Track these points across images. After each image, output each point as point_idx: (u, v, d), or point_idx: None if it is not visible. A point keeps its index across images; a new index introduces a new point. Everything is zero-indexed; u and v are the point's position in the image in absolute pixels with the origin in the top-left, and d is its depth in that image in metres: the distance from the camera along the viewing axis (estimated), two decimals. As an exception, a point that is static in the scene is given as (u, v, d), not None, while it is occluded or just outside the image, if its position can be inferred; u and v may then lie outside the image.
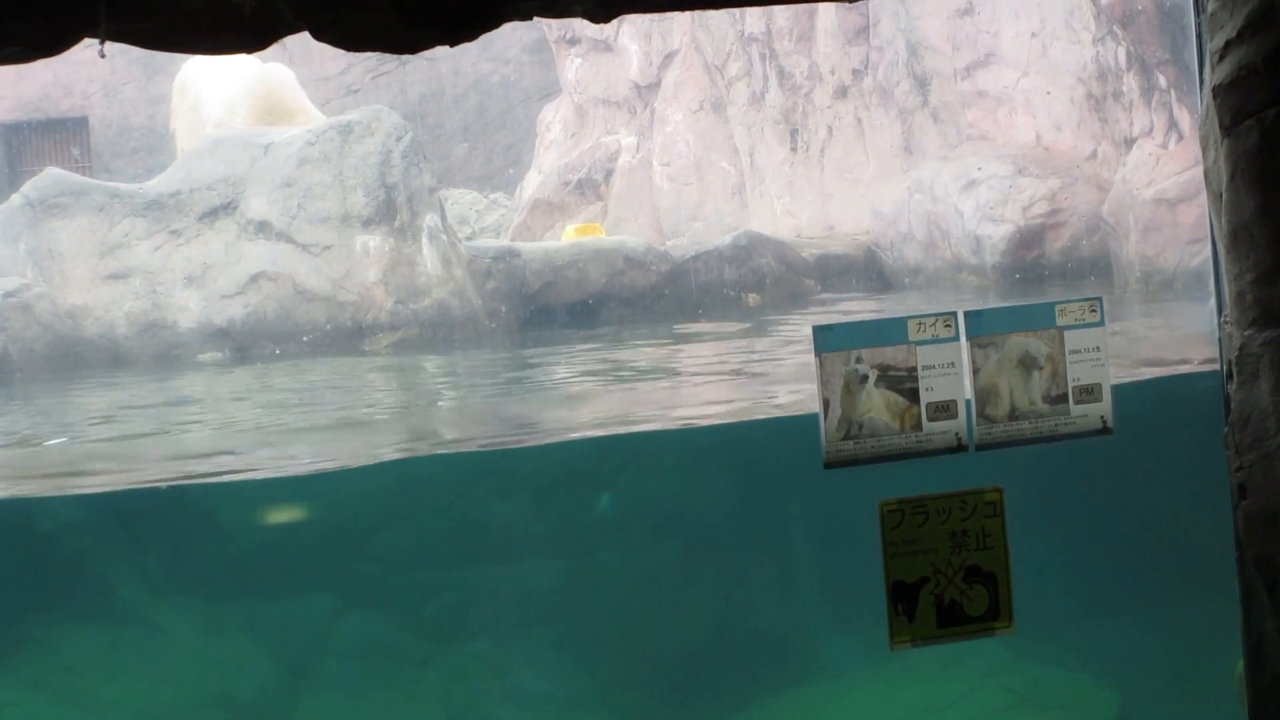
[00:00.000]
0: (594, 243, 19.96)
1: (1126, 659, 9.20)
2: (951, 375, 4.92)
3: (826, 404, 4.86)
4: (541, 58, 30.19)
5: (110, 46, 4.27)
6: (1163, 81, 17.45)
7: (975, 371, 4.96)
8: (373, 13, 4.29)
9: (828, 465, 4.89)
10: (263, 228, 17.43)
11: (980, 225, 18.90)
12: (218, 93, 20.64)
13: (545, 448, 10.41)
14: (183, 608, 9.62)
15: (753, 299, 19.47)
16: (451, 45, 4.49)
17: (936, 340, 4.92)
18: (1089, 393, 5.00)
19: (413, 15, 4.32)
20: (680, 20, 25.60)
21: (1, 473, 10.66)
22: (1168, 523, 9.06)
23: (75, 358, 16.74)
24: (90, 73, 30.20)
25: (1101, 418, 5.02)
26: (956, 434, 4.93)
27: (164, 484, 9.83)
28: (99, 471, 10.60)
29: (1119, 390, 5.04)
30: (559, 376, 14.77)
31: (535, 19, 4.55)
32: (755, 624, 9.95)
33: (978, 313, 4.97)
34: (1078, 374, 5.00)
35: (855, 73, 23.39)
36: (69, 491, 9.86)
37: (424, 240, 17.65)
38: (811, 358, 4.87)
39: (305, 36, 4.44)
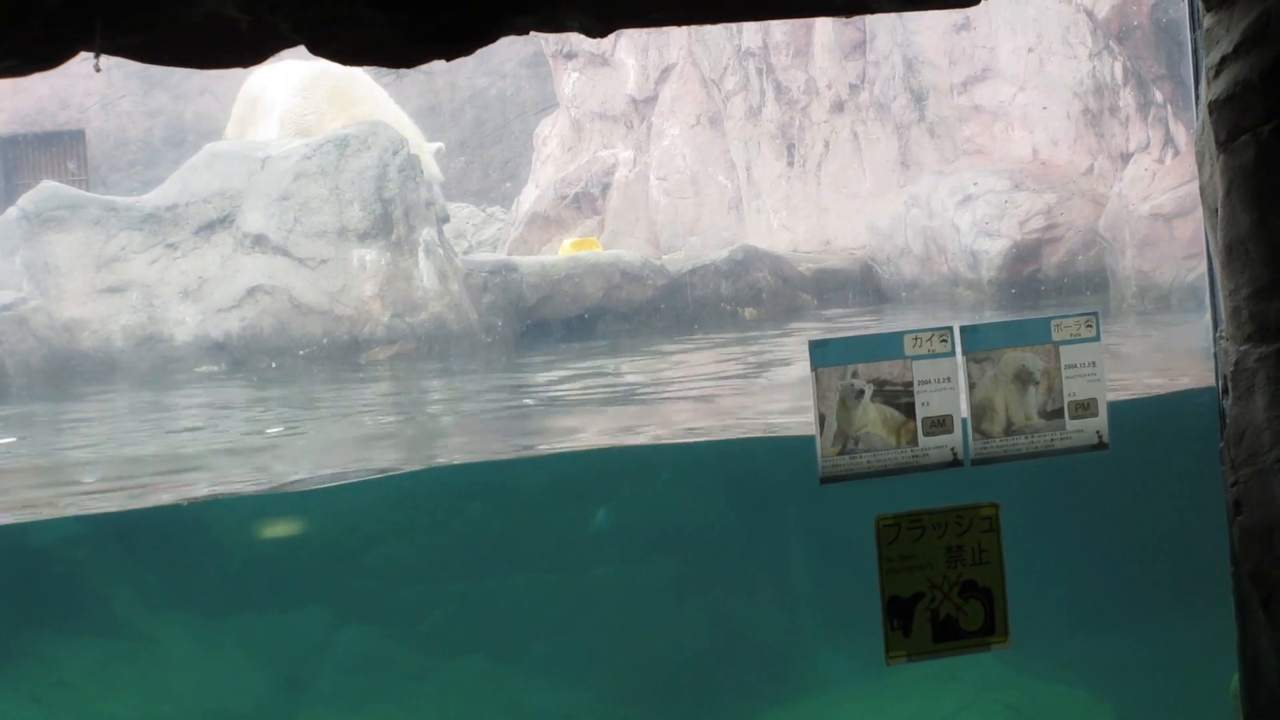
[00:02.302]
0: (590, 257, 19.96)
1: (1123, 674, 9.20)
2: (947, 390, 4.93)
3: (823, 419, 4.87)
4: (538, 72, 30.21)
5: (107, 60, 4.28)
6: (1159, 97, 17.47)
7: (971, 386, 4.97)
8: (369, 27, 4.30)
9: (824, 480, 4.90)
10: (259, 241, 17.43)
11: (977, 240, 18.91)
12: (285, 85, 20.57)
13: (542, 462, 10.42)
14: (179, 622, 9.61)
15: (749, 313, 19.48)
16: (448, 59, 4.50)
17: (933, 355, 4.93)
18: (1085, 408, 5.01)
19: (409, 29, 4.33)
20: (677, 35, 25.60)
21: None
22: (1163, 538, 9.06)
23: (71, 371, 16.73)
24: (87, 86, 30.20)
25: (1097, 433, 5.03)
26: (952, 449, 4.94)
27: (184, 501, 9.82)
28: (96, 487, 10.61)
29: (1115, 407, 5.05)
30: (555, 390, 14.77)
31: (532, 33, 4.56)
32: (752, 638, 9.95)
33: (974, 328, 4.98)
34: (1073, 389, 5.01)
35: (852, 87, 23.41)
36: (66, 507, 9.87)
37: (420, 254, 17.65)
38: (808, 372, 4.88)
39: (302, 50, 4.45)
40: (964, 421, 4.96)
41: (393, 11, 4.26)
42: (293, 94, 20.63)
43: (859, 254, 21.50)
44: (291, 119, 20.98)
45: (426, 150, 21.31)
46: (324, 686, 9.64)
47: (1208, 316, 5.27)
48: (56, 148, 31.01)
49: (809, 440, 4.88)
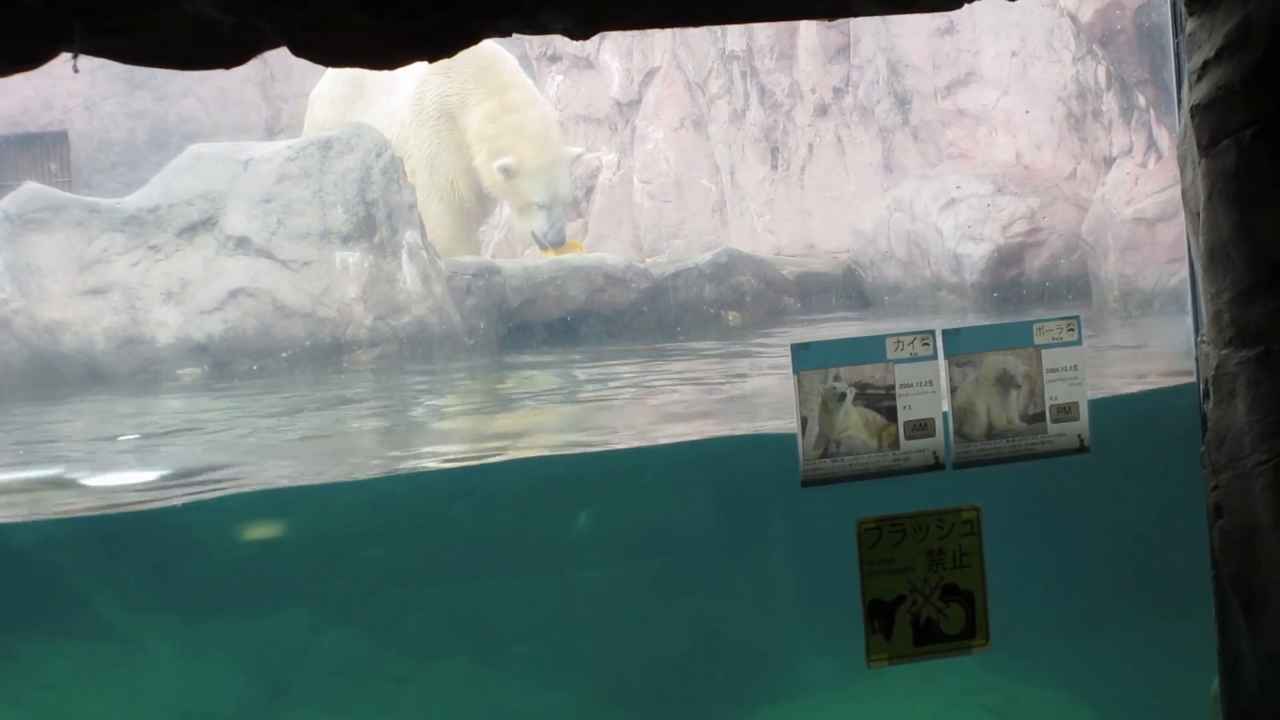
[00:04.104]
0: (574, 260, 19.92)
1: (1103, 677, 9.21)
2: (929, 393, 4.94)
3: (804, 422, 4.87)
4: (522, 74, 30.18)
5: (91, 61, 4.27)
6: (1142, 101, 17.50)
7: (953, 390, 4.98)
8: (352, 29, 4.30)
9: (805, 483, 4.91)
10: (242, 243, 17.40)
11: (960, 244, 18.92)
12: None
13: (524, 464, 10.42)
14: (160, 625, 9.60)
15: (732, 317, 19.47)
16: (430, 61, 4.50)
17: (915, 359, 4.94)
18: (1066, 411, 5.02)
19: (392, 31, 4.33)
20: (661, 38, 25.60)
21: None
22: (1144, 541, 9.07)
23: (53, 373, 16.69)
24: (70, 87, 30.14)
25: (1078, 436, 5.04)
26: (934, 452, 4.95)
27: (179, 502, 9.81)
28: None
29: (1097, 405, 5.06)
30: (538, 393, 14.77)
31: (515, 35, 4.55)
32: (733, 641, 9.96)
33: (956, 331, 4.99)
34: (1055, 393, 5.02)
35: (836, 91, 23.42)
36: (48, 508, 9.86)
37: (404, 257, 17.63)
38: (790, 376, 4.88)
39: (285, 52, 4.45)
40: (946, 425, 4.96)
41: (376, 14, 4.26)
42: (433, 71, 20.28)
43: (842, 258, 21.49)
44: (431, 100, 20.69)
45: (563, 157, 21.09)
46: (306, 689, 9.63)
47: (1189, 320, 5.28)
48: (39, 149, 30.93)
49: (790, 439, 4.89)
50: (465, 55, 4.54)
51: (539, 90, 22.10)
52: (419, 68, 19.72)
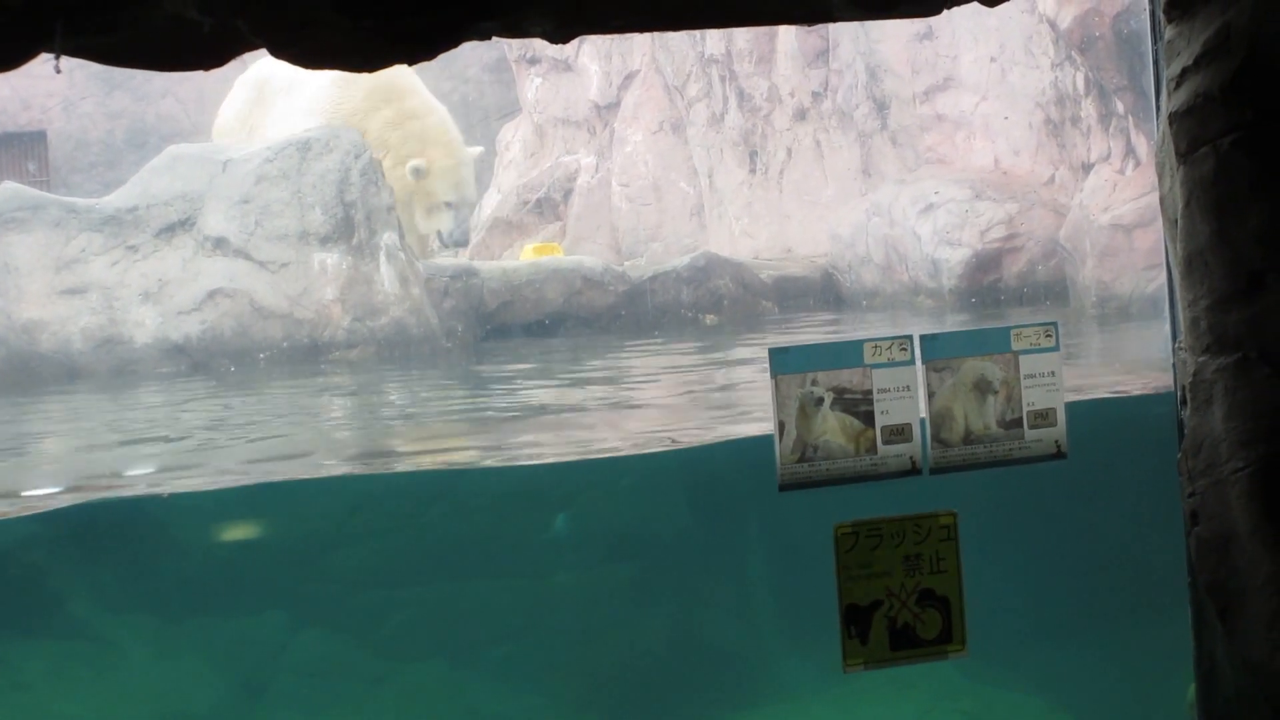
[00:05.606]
0: (552, 262, 19.94)
1: (1079, 683, 9.22)
2: (907, 399, 4.94)
3: (782, 426, 4.87)
4: (501, 77, 30.18)
5: (69, 61, 4.27)
6: (1120, 107, 17.53)
7: (930, 395, 4.98)
8: (332, 31, 4.29)
9: (783, 488, 4.90)
10: (220, 244, 17.39)
11: (938, 249, 18.95)
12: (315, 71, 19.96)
13: (501, 468, 10.41)
14: (136, 624, 9.58)
15: (710, 320, 19.48)
16: (410, 64, 4.50)
17: (892, 364, 4.94)
18: (1043, 417, 5.03)
19: (371, 33, 4.32)
20: (640, 41, 25.61)
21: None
22: (1121, 547, 9.09)
23: (30, 373, 16.66)
24: (49, 87, 30.09)
25: (1055, 442, 5.04)
26: (911, 457, 4.95)
27: (165, 494, 9.79)
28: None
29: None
30: (516, 396, 14.75)
31: (495, 38, 4.55)
32: (710, 645, 9.95)
33: (933, 336, 4.99)
34: (1032, 399, 5.02)
35: (815, 95, 23.44)
36: (22, 505, 9.83)
37: (381, 258, 17.62)
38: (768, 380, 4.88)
39: (264, 53, 4.45)
40: (923, 430, 4.97)
41: (356, 16, 4.26)
42: (331, 82, 20.34)
43: (820, 261, 21.52)
44: (325, 108, 20.72)
45: (467, 158, 21.23)
46: (282, 690, 9.61)
47: (1166, 327, 5.29)
48: (17, 148, 30.88)
49: (768, 443, 4.89)
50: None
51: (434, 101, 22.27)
52: (316, 77, 19.91)
